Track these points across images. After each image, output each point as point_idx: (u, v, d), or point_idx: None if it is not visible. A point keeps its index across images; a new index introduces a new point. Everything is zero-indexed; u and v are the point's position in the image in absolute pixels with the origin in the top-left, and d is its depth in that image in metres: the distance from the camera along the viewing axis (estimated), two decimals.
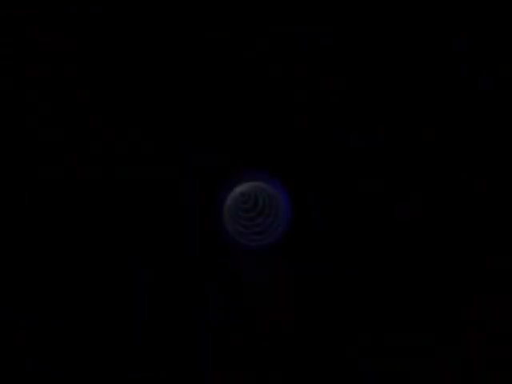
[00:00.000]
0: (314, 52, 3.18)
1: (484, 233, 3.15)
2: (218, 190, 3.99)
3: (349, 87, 3.39)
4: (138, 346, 2.97)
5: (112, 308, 3.40)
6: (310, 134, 3.64)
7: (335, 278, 3.94)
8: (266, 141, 3.71)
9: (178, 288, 3.73)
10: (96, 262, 3.55)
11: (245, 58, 3.20)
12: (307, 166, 3.84)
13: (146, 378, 2.88)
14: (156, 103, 3.49)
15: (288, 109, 3.57)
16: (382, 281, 3.65)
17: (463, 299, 3.11)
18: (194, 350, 2.91)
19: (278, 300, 3.65)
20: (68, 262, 3.47)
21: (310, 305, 3.41)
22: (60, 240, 3.48)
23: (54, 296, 3.23)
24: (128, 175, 3.86)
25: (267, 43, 3.15)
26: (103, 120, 3.55)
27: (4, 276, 3.15)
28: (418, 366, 2.87)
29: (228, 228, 4.05)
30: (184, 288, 3.76)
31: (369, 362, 2.91)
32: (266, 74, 3.30)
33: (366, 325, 3.16)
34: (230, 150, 3.93)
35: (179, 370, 2.91)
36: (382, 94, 3.37)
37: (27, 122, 3.26)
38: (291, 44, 3.19)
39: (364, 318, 3.21)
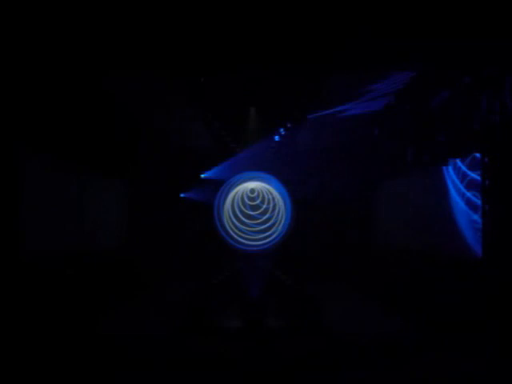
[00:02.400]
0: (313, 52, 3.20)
1: (484, 230, 3.14)
2: (220, 190, 4.02)
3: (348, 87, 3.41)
4: (138, 346, 2.98)
5: (111, 307, 3.43)
6: (310, 133, 3.67)
7: (335, 276, 3.93)
8: (267, 140, 3.75)
9: (177, 287, 3.74)
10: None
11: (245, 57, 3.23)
12: (307, 165, 3.85)
13: (148, 378, 2.87)
14: (156, 103, 3.54)
15: (288, 109, 3.60)
16: (381, 280, 3.64)
17: None
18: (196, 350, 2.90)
19: (278, 297, 3.65)
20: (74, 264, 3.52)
21: (311, 303, 3.41)
22: (59, 238, 3.53)
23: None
24: (127, 174, 3.89)
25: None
26: (103, 120, 3.60)
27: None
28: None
29: (228, 226, 4.07)
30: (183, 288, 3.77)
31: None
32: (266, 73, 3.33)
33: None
34: (231, 149, 3.96)
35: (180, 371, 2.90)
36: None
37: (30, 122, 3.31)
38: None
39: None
